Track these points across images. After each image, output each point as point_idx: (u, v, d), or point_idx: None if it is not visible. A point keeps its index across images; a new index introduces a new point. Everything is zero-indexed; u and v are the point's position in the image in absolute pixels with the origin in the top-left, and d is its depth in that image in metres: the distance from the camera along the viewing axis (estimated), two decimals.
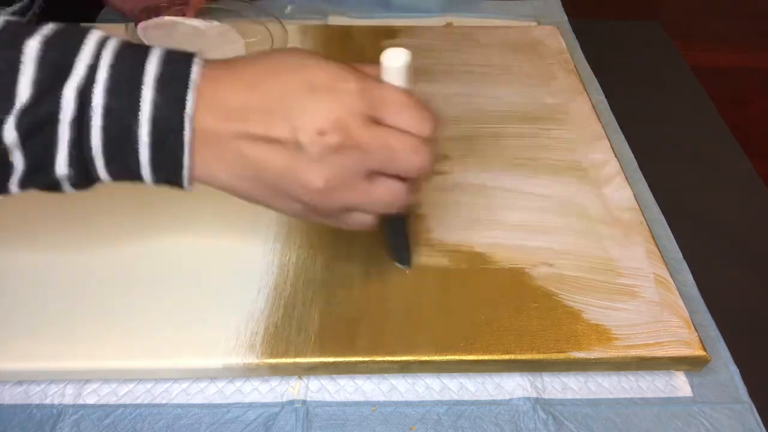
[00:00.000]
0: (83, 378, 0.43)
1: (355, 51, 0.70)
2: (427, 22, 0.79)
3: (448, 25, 0.78)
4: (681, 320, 0.45)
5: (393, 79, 0.35)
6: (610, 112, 0.67)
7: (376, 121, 0.34)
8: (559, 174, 0.56)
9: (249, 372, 0.42)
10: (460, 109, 0.63)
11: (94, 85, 0.31)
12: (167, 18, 0.67)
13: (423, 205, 0.52)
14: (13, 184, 0.32)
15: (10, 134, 0.30)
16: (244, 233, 0.50)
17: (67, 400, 0.42)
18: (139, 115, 0.31)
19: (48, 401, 0.42)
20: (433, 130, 0.35)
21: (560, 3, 0.84)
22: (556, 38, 0.74)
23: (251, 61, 0.34)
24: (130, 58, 0.32)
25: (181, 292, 0.45)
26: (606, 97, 0.68)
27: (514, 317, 0.44)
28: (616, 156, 0.58)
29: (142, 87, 0.31)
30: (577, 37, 0.77)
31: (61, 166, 0.32)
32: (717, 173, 0.63)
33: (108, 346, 0.42)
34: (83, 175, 0.33)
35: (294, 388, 0.43)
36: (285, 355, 0.42)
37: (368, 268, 0.48)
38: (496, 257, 0.49)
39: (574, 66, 0.69)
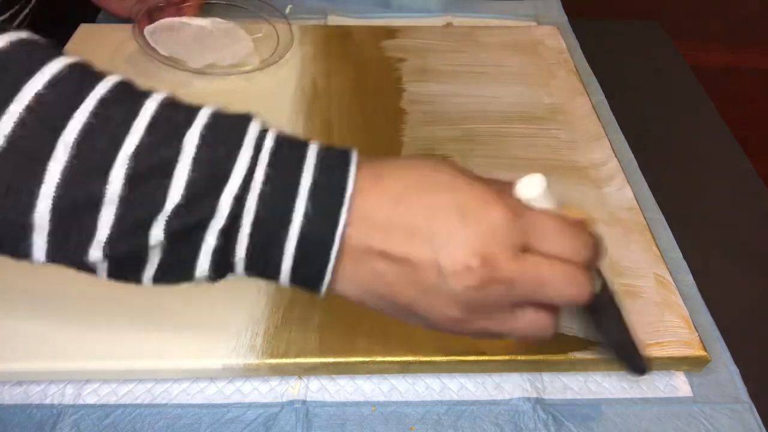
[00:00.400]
0: (82, 378, 0.43)
1: (354, 51, 0.70)
2: (427, 21, 0.79)
3: (448, 24, 0.78)
4: (681, 320, 0.45)
5: (537, 205, 0.32)
6: (610, 112, 0.67)
7: (526, 249, 0.30)
8: (559, 174, 0.56)
9: (249, 372, 0.42)
10: (460, 109, 0.63)
11: (249, 192, 0.29)
12: (174, 19, 0.67)
13: None
14: (147, 278, 0.30)
15: (158, 235, 0.28)
16: None
17: (67, 400, 0.42)
18: (289, 227, 0.29)
19: (48, 401, 0.42)
20: (591, 255, 0.32)
21: (560, 3, 0.84)
22: (556, 38, 0.74)
23: (400, 170, 0.31)
24: (287, 163, 0.30)
25: (181, 293, 0.45)
26: (606, 97, 0.68)
27: None
28: (616, 156, 0.58)
29: (297, 199, 0.29)
30: (577, 37, 0.77)
31: (202, 269, 0.30)
32: (717, 173, 0.63)
33: (107, 347, 0.42)
34: (219, 276, 0.31)
35: (294, 388, 0.43)
36: (285, 355, 0.42)
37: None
38: None
39: (574, 66, 0.69)
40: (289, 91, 0.64)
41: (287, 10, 0.78)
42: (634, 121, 0.66)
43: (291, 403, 0.43)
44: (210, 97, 0.64)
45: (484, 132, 0.60)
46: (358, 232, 0.30)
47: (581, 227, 0.32)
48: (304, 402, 0.43)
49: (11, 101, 0.27)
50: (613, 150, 0.59)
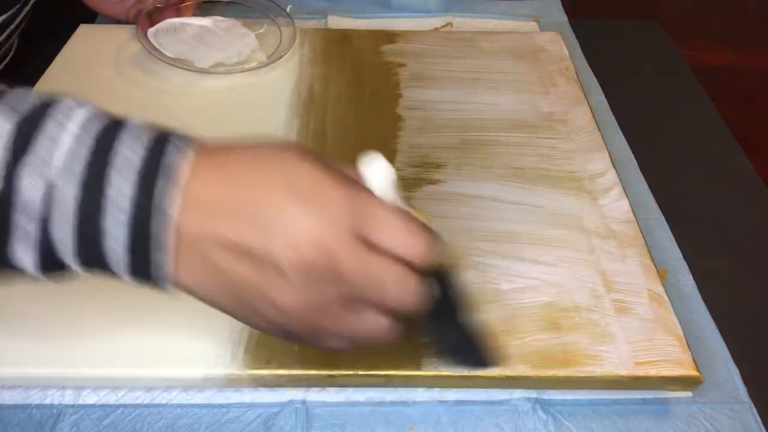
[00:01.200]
0: (60, 385, 0.43)
1: (353, 55, 0.70)
2: (427, 21, 0.79)
3: (448, 25, 0.78)
4: (674, 338, 0.44)
5: (379, 191, 0.32)
6: (610, 112, 0.67)
7: (362, 239, 0.29)
8: (556, 184, 0.55)
9: (231, 383, 0.42)
10: (458, 116, 0.62)
11: (62, 171, 0.28)
12: (175, 20, 0.67)
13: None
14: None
15: None
16: None
17: (67, 400, 0.42)
18: (116, 212, 0.28)
19: (48, 401, 0.42)
20: (427, 255, 0.31)
21: (560, 3, 0.84)
22: (558, 44, 0.73)
23: (240, 154, 0.30)
24: (108, 140, 0.28)
25: (166, 302, 0.45)
26: (606, 97, 0.68)
27: (502, 332, 0.44)
28: (614, 166, 0.57)
29: (122, 179, 0.28)
30: (577, 37, 0.77)
31: (20, 259, 0.29)
32: (717, 173, 0.63)
33: (86, 354, 0.42)
34: (48, 270, 0.30)
35: (294, 388, 0.43)
36: (267, 366, 0.42)
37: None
38: (487, 269, 0.48)
39: (575, 73, 0.69)
40: (285, 95, 0.64)
41: (287, 10, 0.78)
42: (634, 121, 0.66)
43: (291, 403, 0.43)
44: (217, 95, 0.64)
45: (480, 140, 0.60)
46: (193, 217, 0.28)
47: (420, 225, 0.31)
48: (304, 402, 0.43)
49: None
50: (612, 161, 0.58)
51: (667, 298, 0.47)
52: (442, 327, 0.36)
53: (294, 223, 0.28)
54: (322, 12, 0.79)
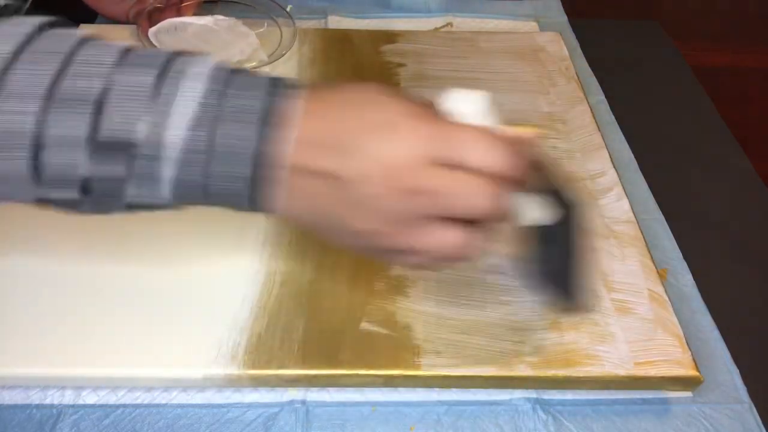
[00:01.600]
0: (59, 384, 0.43)
1: (353, 55, 0.70)
2: (427, 21, 0.78)
3: (448, 25, 0.78)
4: (674, 338, 0.44)
5: (465, 118, 0.33)
6: (610, 112, 0.67)
7: (442, 160, 0.31)
8: None
9: (230, 382, 0.42)
10: None
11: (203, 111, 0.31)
12: (175, 20, 0.67)
13: None
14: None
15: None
16: (231, 243, 0.49)
17: (67, 400, 0.42)
18: (239, 147, 0.31)
19: (48, 401, 0.42)
20: (511, 166, 0.32)
21: (560, 3, 0.84)
22: (558, 45, 0.73)
23: (338, 94, 0.34)
24: (236, 86, 0.32)
25: (165, 301, 0.45)
26: (606, 97, 0.68)
27: (502, 332, 0.44)
28: (614, 167, 0.57)
29: (247, 121, 0.31)
30: (577, 37, 0.77)
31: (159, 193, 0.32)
32: (717, 173, 0.63)
33: (85, 354, 0.42)
34: (179, 200, 0.33)
35: (294, 388, 0.43)
36: (267, 366, 0.42)
37: (355, 279, 0.47)
38: (486, 270, 0.48)
39: (575, 73, 0.69)
40: None
41: (287, 10, 0.78)
42: (634, 121, 0.65)
43: (291, 403, 0.43)
44: None
45: None
46: (300, 151, 0.31)
47: (513, 145, 0.32)
48: (303, 402, 0.43)
49: None
50: (612, 161, 0.58)
51: (667, 298, 0.47)
52: (549, 251, 0.35)
53: (374, 150, 0.31)
54: (322, 12, 0.79)
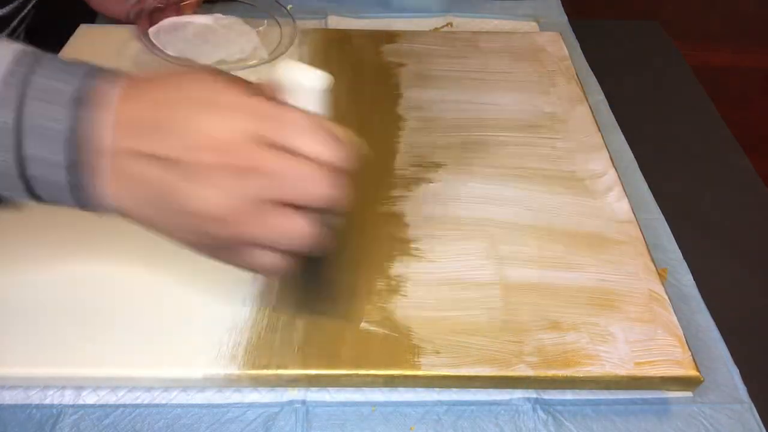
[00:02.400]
0: (58, 384, 0.43)
1: (353, 55, 0.70)
2: (427, 22, 0.78)
3: (448, 25, 0.78)
4: (674, 338, 0.44)
5: (302, 100, 0.34)
6: (610, 112, 0.67)
7: (273, 145, 0.31)
8: (556, 185, 0.55)
9: (230, 383, 0.42)
10: (458, 116, 0.62)
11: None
12: (176, 19, 0.67)
13: (408, 215, 0.51)
14: None
15: None
16: None
17: (67, 400, 0.42)
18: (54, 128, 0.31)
19: (48, 401, 0.42)
20: (336, 156, 0.32)
21: (560, 3, 0.84)
22: (558, 45, 0.73)
23: (159, 80, 0.33)
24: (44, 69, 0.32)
25: (165, 301, 0.45)
26: (606, 97, 0.68)
27: (501, 332, 0.44)
28: (614, 167, 0.57)
29: (59, 104, 0.31)
30: (577, 37, 0.77)
31: None
32: (717, 173, 0.63)
33: (84, 354, 0.42)
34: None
35: (294, 388, 0.43)
36: (267, 366, 0.42)
37: (355, 279, 0.47)
38: (485, 270, 0.48)
39: (575, 73, 0.68)
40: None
41: (288, 8, 0.78)
42: (634, 122, 0.66)
43: (291, 403, 0.43)
44: None
45: (481, 140, 0.60)
46: (122, 135, 0.31)
47: (334, 134, 0.33)
48: (303, 402, 0.43)
49: None
50: (612, 161, 0.58)
51: (667, 298, 0.47)
52: (309, 265, 0.37)
53: (197, 129, 0.31)
54: (322, 12, 0.79)
